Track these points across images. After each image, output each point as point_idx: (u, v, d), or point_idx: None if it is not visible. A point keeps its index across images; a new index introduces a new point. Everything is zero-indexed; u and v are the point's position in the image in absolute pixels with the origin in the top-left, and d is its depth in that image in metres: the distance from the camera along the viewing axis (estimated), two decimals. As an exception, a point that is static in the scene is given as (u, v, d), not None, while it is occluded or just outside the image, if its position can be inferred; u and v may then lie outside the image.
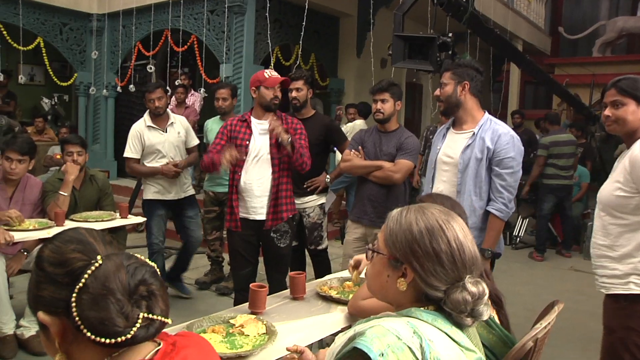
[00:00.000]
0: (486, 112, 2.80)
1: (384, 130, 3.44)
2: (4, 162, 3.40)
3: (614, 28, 11.34)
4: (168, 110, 4.26)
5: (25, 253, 3.47)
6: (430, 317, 1.14)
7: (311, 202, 3.85)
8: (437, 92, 2.79)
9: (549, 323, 1.64)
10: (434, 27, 4.70)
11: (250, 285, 2.09)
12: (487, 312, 1.15)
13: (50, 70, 7.91)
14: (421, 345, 1.05)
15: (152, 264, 0.99)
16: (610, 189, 2.20)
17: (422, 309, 1.17)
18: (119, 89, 7.84)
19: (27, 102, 9.43)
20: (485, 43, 6.66)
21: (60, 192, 3.62)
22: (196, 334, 1.13)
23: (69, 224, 3.46)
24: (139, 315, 0.91)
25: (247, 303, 2.10)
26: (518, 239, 6.87)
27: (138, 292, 0.92)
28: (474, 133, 2.70)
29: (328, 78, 7.99)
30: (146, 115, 4.20)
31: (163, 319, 0.94)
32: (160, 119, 4.15)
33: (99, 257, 0.94)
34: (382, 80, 3.46)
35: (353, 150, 3.47)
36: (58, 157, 5.24)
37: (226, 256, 4.86)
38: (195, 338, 1.10)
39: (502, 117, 10.23)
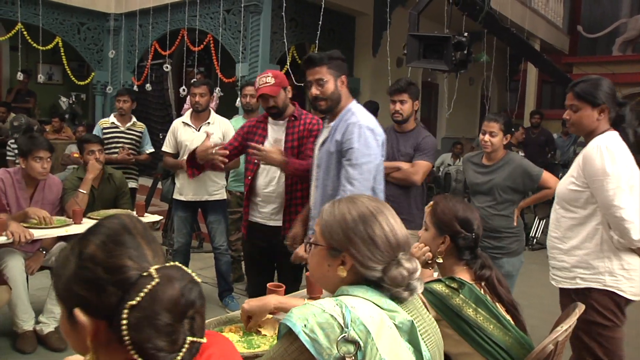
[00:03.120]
0: (353, 101, 2.61)
1: (401, 130, 3.42)
2: (33, 164, 3.41)
3: (635, 26, 11.18)
4: (211, 110, 4.25)
5: (44, 252, 3.51)
6: (357, 289, 1.22)
7: None
8: (314, 90, 2.54)
9: (570, 326, 1.62)
10: (450, 27, 4.67)
11: (268, 285, 2.08)
12: (421, 286, 1.25)
13: (68, 69, 8.00)
14: (342, 312, 1.13)
15: (198, 279, 0.94)
16: (565, 183, 2.35)
17: (350, 285, 1.25)
18: (135, 87, 7.90)
19: (46, 101, 9.54)
20: (502, 42, 6.60)
21: (80, 190, 3.65)
22: (219, 333, 1.13)
23: (86, 222, 3.49)
24: (185, 339, 0.88)
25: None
26: (535, 240, 6.80)
27: (187, 315, 0.89)
28: (331, 127, 2.56)
29: (344, 77, 7.97)
30: (188, 112, 4.23)
31: (202, 340, 0.91)
32: (197, 117, 4.15)
33: (153, 270, 0.89)
34: (399, 79, 3.42)
35: None
36: (76, 155, 5.29)
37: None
38: (219, 337, 1.08)
39: (519, 117, 10.15)
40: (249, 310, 1.81)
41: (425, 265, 1.93)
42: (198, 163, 2.98)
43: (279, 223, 3.01)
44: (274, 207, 3.04)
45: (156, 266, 0.90)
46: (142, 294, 0.85)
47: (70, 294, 0.92)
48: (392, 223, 1.26)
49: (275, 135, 3.06)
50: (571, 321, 1.65)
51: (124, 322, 0.84)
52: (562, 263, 2.35)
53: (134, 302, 0.85)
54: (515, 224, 3.22)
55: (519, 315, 1.85)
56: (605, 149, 2.20)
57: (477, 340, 1.72)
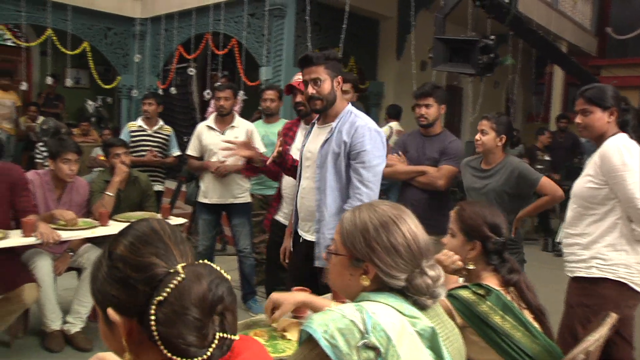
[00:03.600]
0: (349, 104, 2.62)
1: (427, 134, 3.39)
2: (61, 166, 3.48)
3: (668, 26, 10.94)
4: (235, 114, 4.28)
5: (71, 253, 3.56)
6: (378, 295, 1.21)
7: None
8: (310, 89, 2.53)
9: (601, 336, 1.58)
10: (475, 29, 4.62)
11: (293, 289, 2.08)
12: (444, 292, 1.24)
13: (95, 73, 8.13)
14: (363, 318, 1.12)
15: (228, 276, 0.95)
16: (582, 182, 2.45)
17: (371, 291, 1.24)
18: (160, 91, 7.99)
19: (73, 105, 9.71)
20: (528, 45, 6.52)
21: (107, 193, 3.70)
22: (252, 338, 1.13)
23: (112, 224, 3.54)
24: (215, 335, 0.88)
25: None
26: (560, 245, 6.67)
27: (216, 310, 0.89)
28: (332, 127, 2.54)
29: (367, 81, 7.95)
30: (212, 116, 4.27)
31: (234, 336, 0.92)
32: (222, 120, 4.18)
33: (179, 267, 0.91)
34: (425, 83, 3.39)
35: (395, 154, 3.43)
36: (101, 158, 5.36)
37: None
38: (252, 342, 1.08)
39: (545, 121, 10.01)
40: (276, 300, 1.80)
41: (454, 272, 1.91)
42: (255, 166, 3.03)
43: None
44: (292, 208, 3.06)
45: (183, 264, 0.93)
46: (168, 290, 0.87)
47: (103, 295, 0.95)
48: (414, 230, 1.25)
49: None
50: (602, 331, 1.61)
51: (152, 317, 0.86)
52: (581, 256, 2.44)
53: (161, 298, 0.87)
54: (513, 234, 3.01)
55: (547, 322, 1.82)
56: (623, 146, 2.31)
57: (504, 347, 1.70)
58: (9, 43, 8.92)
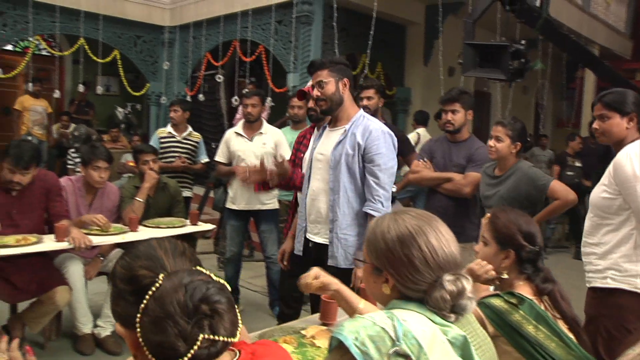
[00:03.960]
0: (361, 109, 2.69)
1: (454, 140, 3.35)
2: (92, 172, 3.54)
3: None
4: (263, 120, 4.31)
5: (102, 258, 3.62)
6: (409, 304, 1.20)
7: None
8: (316, 92, 2.60)
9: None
10: (504, 34, 4.57)
11: (322, 296, 2.07)
12: (471, 306, 1.20)
13: (124, 81, 8.28)
14: (394, 325, 1.11)
15: (219, 279, 0.95)
16: (597, 191, 2.37)
17: (400, 300, 1.24)
18: (188, 98, 8.09)
19: (103, 112, 9.89)
20: (559, 49, 6.42)
21: (137, 199, 3.75)
22: (275, 343, 1.13)
23: (142, 230, 3.58)
24: (198, 336, 0.87)
25: (319, 314, 2.10)
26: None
27: (200, 312, 0.88)
28: (345, 129, 2.59)
29: (394, 87, 7.93)
30: (240, 122, 4.31)
31: (227, 339, 0.90)
32: (250, 127, 4.21)
33: (161, 275, 0.93)
34: (452, 89, 3.36)
35: (422, 160, 3.40)
36: (131, 164, 5.44)
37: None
38: (275, 348, 1.08)
39: (576, 126, 9.82)
40: (317, 273, 1.85)
41: (487, 282, 1.88)
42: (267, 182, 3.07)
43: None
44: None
45: (167, 273, 0.95)
46: (147, 296, 0.90)
47: (112, 310, 1.04)
48: (432, 244, 1.21)
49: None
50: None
51: (137, 325, 0.90)
52: (597, 267, 2.37)
53: (143, 306, 0.90)
54: None
55: (582, 332, 1.78)
56: (635, 155, 2.22)
57: (538, 358, 1.66)
58: (43, 52, 9.15)
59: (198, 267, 0.98)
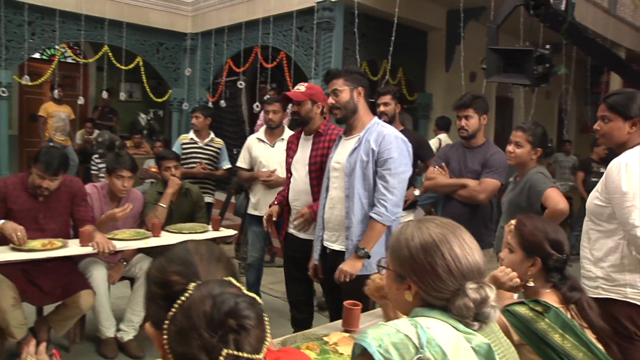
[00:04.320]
0: (375, 117, 2.75)
1: (469, 145, 3.32)
2: (115, 181, 3.59)
3: None
4: (285, 126, 4.33)
5: (125, 262, 3.65)
6: (432, 311, 1.20)
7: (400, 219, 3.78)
8: (331, 100, 2.68)
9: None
10: (528, 39, 4.52)
11: (344, 302, 2.07)
12: (495, 314, 1.19)
13: (147, 87, 8.38)
14: (417, 332, 1.11)
15: (250, 294, 0.92)
16: (592, 198, 2.36)
17: (423, 307, 1.23)
18: (210, 104, 8.15)
19: (126, 118, 10.02)
20: (584, 53, 6.32)
21: (160, 204, 3.79)
22: (299, 351, 1.13)
23: (164, 235, 3.61)
24: (222, 351, 0.85)
25: (341, 320, 2.09)
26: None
27: (226, 326, 0.86)
28: (360, 137, 2.62)
29: (415, 93, 7.89)
30: (262, 128, 4.34)
31: (251, 355, 0.87)
32: (272, 133, 4.24)
33: (192, 285, 0.91)
34: (465, 94, 3.32)
35: (437, 167, 3.37)
36: (153, 170, 5.50)
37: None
38: (298, 355, 1.08)
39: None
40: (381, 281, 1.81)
41: (512, 289, 1.85)
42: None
43: (305, 236, 3.12)
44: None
45: (199, 282, 0.93)
46: (176, 305, 0.89)
47: (146, 310, 1.04)
48: (456, 252, 1.21)
49: (303, 151, 3.18)
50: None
51: (164, 332, 0.89)
52: (589, 272, 2.36)
53: (171, 314, 0.89)
54: None
55: (612, 343, 1.74)
56: (625, 166, 2.19)
57: (564, 368, 1.63)
58: (69, 60, 9.32)
59: (230, 278, 0.96)
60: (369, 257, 2.55)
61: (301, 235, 3.14)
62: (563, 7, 3.50)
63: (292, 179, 3.21)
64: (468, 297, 1.17)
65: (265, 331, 0.91)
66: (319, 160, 3.06)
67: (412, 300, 1.24)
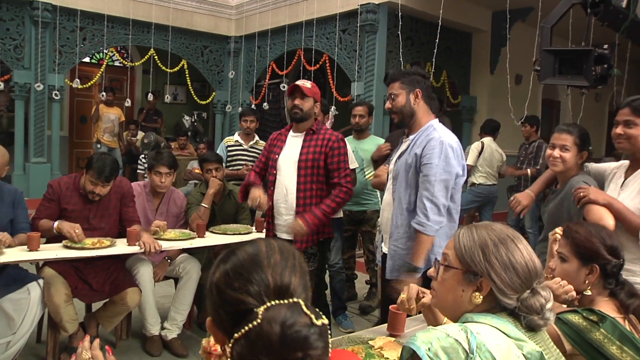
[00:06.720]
0: (435, 119, 2.59)
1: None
2: (154, 177, 3.68)
3: None
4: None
5: (169, 260, 3.71)
6: (481, 317, 1.19)
7: None
8: (388, 104, 2.61)
9: None
10: (572, 39, 4.38)
11: (390, 307, 2.05)
12: (553, 317, 1.22)
13: (191, 89, 8.53)
14: (467, 337, 1.10)
15: (321, 320, 0.87)
16: (635, 201, 2.21)
17: (474, 312, 1.22)
18: (253, 106, 8.24)
19: (171, 120, 10.23)
20: None
21: (202, 205, 3.84)
22: (349, 352, 1.11)
23: (209, 236, 3.65)
24: None
25: (385, 325, 2.07)
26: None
27: (293, 356, 0.83)
28: (410, 140, 2.54)
29: (460, 95, 7.79)
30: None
31: None
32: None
33: (261, 309, 0.86)
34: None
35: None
36: (197, 171, 5.58)
37: (359, 274, 4.86)
38: (348, 356, 1.07)
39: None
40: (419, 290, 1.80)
41: (564, 302, 1.78)
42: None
43: (290, 237, 3.09)
44: (287, 219, 3.12)
45: (268, 304, 0.88)
46: (242, 331, 0.85)
47: (207, 304, 0.99)
48: (529, 250, 1.23)
49: (292, 146, 3.14)
50: None
51: (228, 351, 0.87)
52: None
53: (237, 336, 0.86)
54: None
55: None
56: None
57: (623, 381, 1.56)
58: (116, 63, 9.59)
59: (301, 301, 0.89)
60: (416, 270, 2.40)
61: (284, 235, 3.13)
62: (624, 4, 3.33)
63: (277, 176, 3.16)
64: (540, 295, 1.19)
65: (328, 355, 0.87)
66: (310, 158, 3.04)
67: (481, 302, 1.22)
